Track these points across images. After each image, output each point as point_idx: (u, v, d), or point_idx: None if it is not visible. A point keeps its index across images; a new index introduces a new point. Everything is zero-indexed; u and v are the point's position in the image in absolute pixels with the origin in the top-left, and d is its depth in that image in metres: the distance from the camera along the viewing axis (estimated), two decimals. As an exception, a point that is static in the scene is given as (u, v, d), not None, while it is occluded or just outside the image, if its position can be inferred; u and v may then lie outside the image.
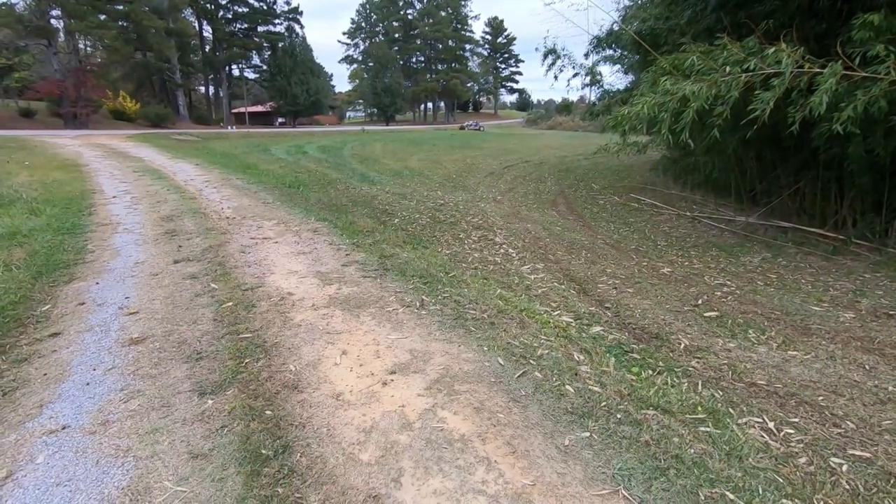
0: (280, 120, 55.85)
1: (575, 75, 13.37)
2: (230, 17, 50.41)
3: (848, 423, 2.50)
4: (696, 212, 9.45)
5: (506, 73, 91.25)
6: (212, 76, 51.51)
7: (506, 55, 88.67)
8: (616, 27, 12.98)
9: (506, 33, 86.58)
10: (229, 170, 11.95)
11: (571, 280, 5.11)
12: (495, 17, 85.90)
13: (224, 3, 48.79)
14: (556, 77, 13.25)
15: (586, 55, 12.33)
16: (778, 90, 4.53)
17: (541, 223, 8.12)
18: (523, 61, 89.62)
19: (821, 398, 2.72)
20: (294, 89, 48.35)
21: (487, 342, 3.02)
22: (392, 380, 2.55)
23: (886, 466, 2.13)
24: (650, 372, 2.98)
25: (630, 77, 14.29)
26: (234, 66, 54.01)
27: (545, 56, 13.72)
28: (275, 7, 52.04)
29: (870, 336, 3.72)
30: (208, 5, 47.02)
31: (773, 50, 4.51)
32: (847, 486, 1.99)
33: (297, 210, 7.22)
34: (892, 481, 2.03)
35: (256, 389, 2.47)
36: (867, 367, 3.14)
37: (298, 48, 50.31)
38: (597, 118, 13.28)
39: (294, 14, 53.60)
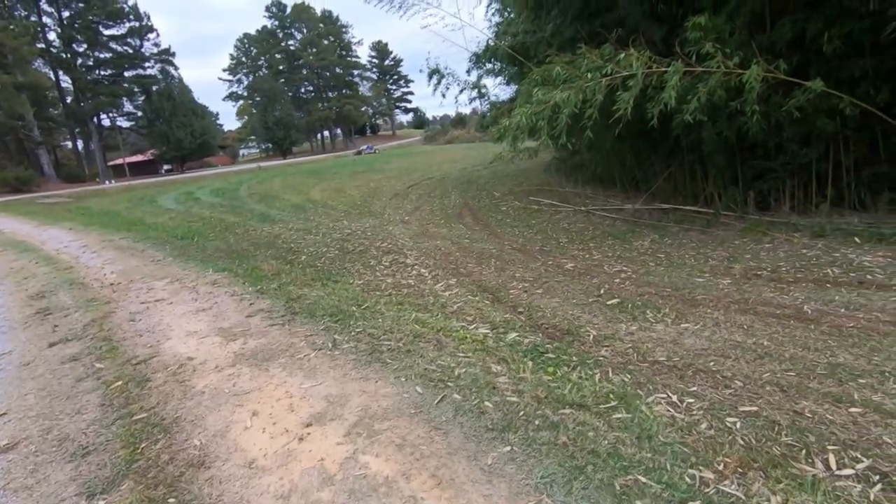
0: (166, 167, 52.18)
1: (462, 91, 13.84)
2: (91, 64, 46.48)
3: (736, 382, 2.77)
4: (589, 205, 10.11)
5: (398, 94, 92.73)
6: (78, 129, 46.97)
7: (395, 77, 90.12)
8: (491, 43, 13.70)
9: (392, 55, 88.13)
10: (110, 229, 10.90)
11: (484, 290, 5.22)
12: (379, 41, 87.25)
13: (81, 50, 44.91)
14: (443, 95, 13.62)
15: (468, 71, 12.86)
16: (634, 90, 5.00)
17: (450, 238, 8.25)
18: (413, 81, 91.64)
19: (712, 363, 2.99)
20: (177, 133, 45.47)
21: (405, 372, 2.98)
22: (309, 433, 2.43)
23: (770, 416, 2.38)
24: (565, 369, 3.11)
25: (512, 87, 15.14)
26: (103, 116, 49.73)
27: (430, 76, 14.08)
28: (142, 50, 48.80)
29: (744, 298, 4.17)
30: (63, 54, 43.00)
31: (623, 55, 4.97)
32: (742, 442, 2.19)
33: (192, 263, 6.73)
34: (776, 429, 2.26)
35: (156, 476, 2.23)
36: (745, 326, 3.51)
37: (176, 90, 47.47)
38: (487, 129, 13.84)
39: (165, 55, 50.63)
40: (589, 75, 5.00)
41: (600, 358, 3.27)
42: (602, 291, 4.81)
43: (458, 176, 18.71)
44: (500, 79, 16.07)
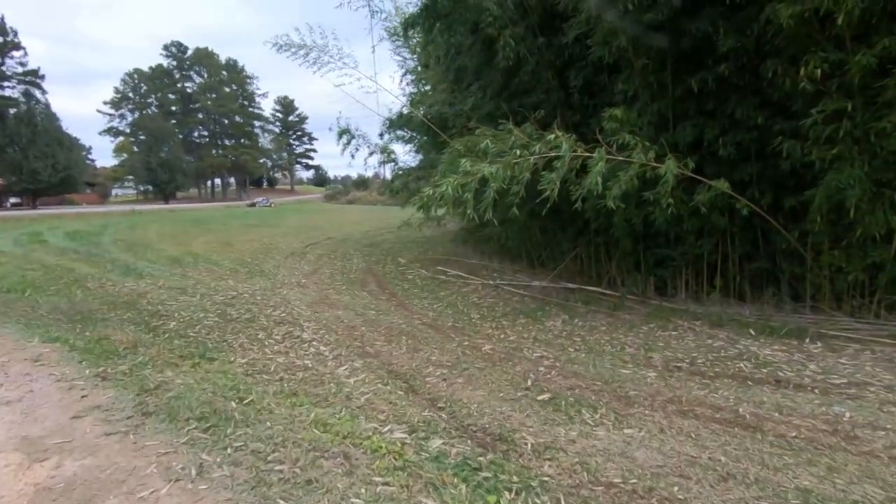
0: (12, 200, 44.73)
1: (371, 154, 13.58)
2: (-69, 75, 39.71)
3: (708, 514, 2.35)
4: (497, 279, 9.97)
5: (300, 149, 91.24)
6: None
7: (299, 133, 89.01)
8: (405, 110, 13.76)
9: (297, 112, 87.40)
10: None
11: (396, 377, 4.51)
12: (285, 97, 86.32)
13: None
14: (352, 156, 13.23)
15: (381, 135, 12.65)
16: (561, 171, 4.89)
17: (353, 308, 7.45)
18: (317, 139, 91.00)
19: (675, 488, 2.57)
20: (34, 164, 39.54)
21: (304, 516, 2.15)
22: None
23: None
24: (508, 496, 2.49)
25: (421, 156, 15.21)
26: (-63, 135, 41.94)
27: (340, 135, 13.67)
28: (2, 68, 42.94)
29: (677, 396, 3.95)
30: None
31: (553, 136, 4.90)
32: None
33: (12, 327, 5.17)
34: None
35: None
36: (693, 435, 3.20)
37: (40, 116, 41.83)
38: (396, 194, 13.57)
39: (32, 77, 45.02)
40: (518, 151, 4.82)
41: (545, 478, 2.71)
42: (529, 383, 4.35)
43: (360, 238, 18.02)
44: (409, 146, 16.19)
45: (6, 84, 43.55)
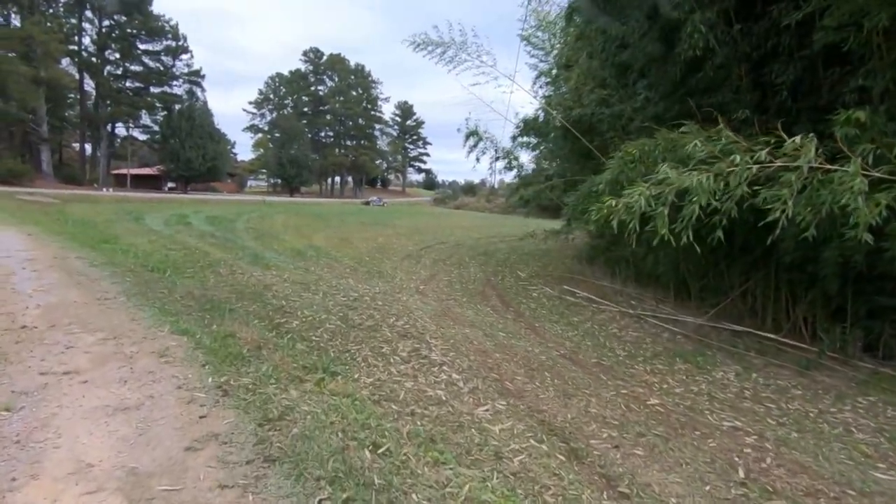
0: (170, 185, 51.09)
1: (497, 158, 12.83)
2: (119, 73, 46.60)
3: None
4: (637, 309, 8.62)
5: (414, 153, 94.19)
6: (90, 133, 46.29)
7: (414, 137, 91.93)
8: (540, 114, 12.81)
9: (415, 117, 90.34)
10: (75, 243, 9.25)
11: (551, 431, 3.57)
12: (405, 102, 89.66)
13: (113, 59, 45.16)
14: (478, 159, 12.55)
15: (513, 138, 11.84)
16: (795, 185, 3.62)
17: (480, 326, 6.65)
18: (431, 144, 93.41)
19: None
20: (188, 153, 44.65)
21: None
22: None
23: None
24: None
25: (551, 163, 14.13)
26: (119, 125, 49.27)
27: (467, 137, 13.13)
28: (173, 69, 49.24)
29: None
30: (93, 59, 43.10)
31: (789, 141, 3.65)
32: None
33: (147, 311, 5.06)
34: None
35: None
36: None
37: (198, 112, 47.25)
38: (526, 204, 12.69)
39: (195, 77, 51.11)
40: (737, 158, 3.64)
41: None
42: (741, 474, 3.16)
43: (473, 245, 17.37)
44: (535, 153, 15.22)
45: (175, 83, 50.00)
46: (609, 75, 7.25)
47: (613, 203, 3.85)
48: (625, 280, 10.38)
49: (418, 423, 3.39)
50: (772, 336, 6.76)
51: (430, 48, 11.27)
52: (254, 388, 3.22)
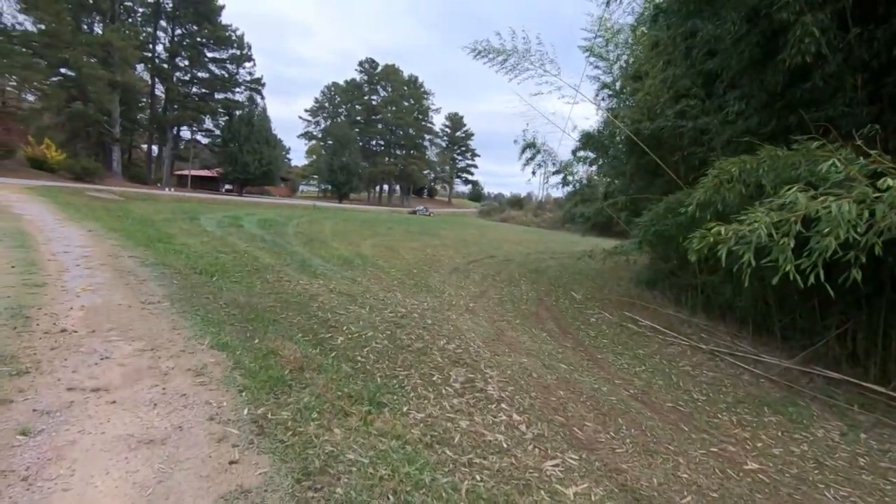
0: (227, 187, 53.11)
1: (556, 171, 12.22)
2: (187, 79, 49.04)
3: None
4: (709, 344, 7.75)
5: (462, 164, 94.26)
6: (157, 135, 48.85)
7: (463, 148, 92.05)
8: (600, 128, 12.12)
9: (464, 128, 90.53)
10: (130, 241, 9.34)
11: (636, 501, 2.96)
12: (455, 113, 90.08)
13: (183, 65, 47.58)
14: (533, 172, 12.00)
15: (573, 152, 11.22)
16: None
17: (537, 354, 6.06)
18: (479, 155, 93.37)
19: None
20: (245, 157, 46.27)
21: None
22: None
23: None
24: None
25: (612, 180, 13.35)
26: (184, 128, 51.78)
27: (524, 149, 12.62)
28: (236, 76, 51.35)
29: None
30: (164, 65, 45.54)
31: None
32: None
33: (190, 319, 4.80)
34: None
35: None
36: None
37: (256, 118, 48.98)
38: (587, 222, 12.00)
39: (256, 85, 53.09)
40: (889, 181, 2.94)
41: None
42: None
43: (522, 261, 16.71)
44: (593, 168, 14.49)
45: (237, 90, 52.10)
46: (694, 85, 6.54)
47: (723, 231, 3.22)
48: (692, 309, 9.47)
49: (478, 477, 2.88)
50: (877, 388, 5.81)
51: (491, 56, 10.88)
52: (293, 425, 2.80)
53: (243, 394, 3.13)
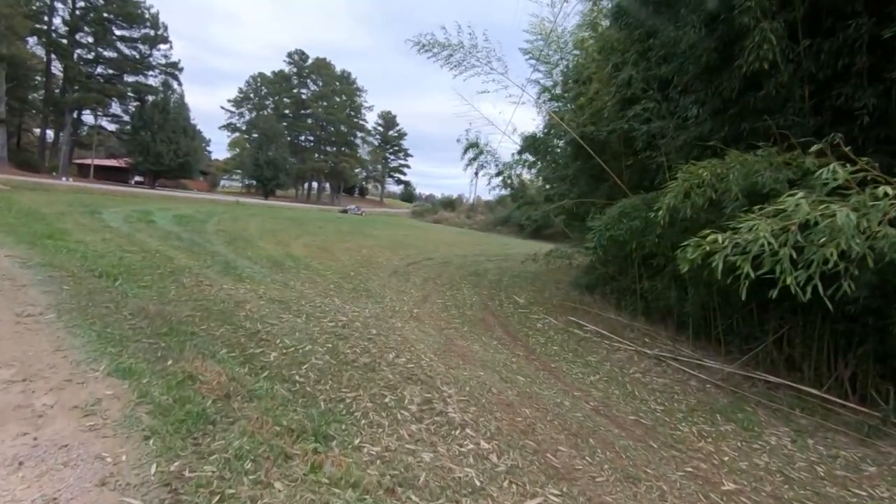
0: (137, 178, 48.56)
1: (497, 174, 12.01)
2: (91, 58, 44.22)
3: None
4: (654, 349, 7.78)
5: (394, 163, 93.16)
6: (53, 119, 43.61)
7: (395, 148, 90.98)
8: (542, 131, 12.05)
9: (397, 128, 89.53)
10: (11, 238, 7.87)
11: (631, 544, 2.60)
12: (388, 112, 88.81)
13: (86, 42, 42.84)
14: (476, 173, 11.74)
15: (518, 153, 11.05)
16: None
17: (492, 366, 5.66)
18: (412, 156, 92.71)
19: None
20: (159, 147, 42.47)
21: None
22: None
23: None
24: None
25: (550, 184, 13.34)
26: (86, 112, 46.67)
27: (466, 149, 12.31)
28: (149, 59, 47.10)
29: None
30: (63, 40, 40.74)
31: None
32: None
33: (82, 336, 3.89)
34: None
35: None
36: None
37: (173, 105, 45.15)
38: (534, 224, 11.84)
39: (173, 69, 49.05)
40: (887, 189, 2.80)
41: None
42: None
43: (461, 264, 16.39)
44: (533, 171, 14.47)
45: (150, 73, 47.73)
46: (649, 88, 6.46)
47: (719, 239, 2.95)
48: (633, 314, 9.56)
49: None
50: (813, 392, 6.00)
51: (435, 50, 10.43)
52: (221, 486, 2.13)
53: (150, 441, 2.40)
